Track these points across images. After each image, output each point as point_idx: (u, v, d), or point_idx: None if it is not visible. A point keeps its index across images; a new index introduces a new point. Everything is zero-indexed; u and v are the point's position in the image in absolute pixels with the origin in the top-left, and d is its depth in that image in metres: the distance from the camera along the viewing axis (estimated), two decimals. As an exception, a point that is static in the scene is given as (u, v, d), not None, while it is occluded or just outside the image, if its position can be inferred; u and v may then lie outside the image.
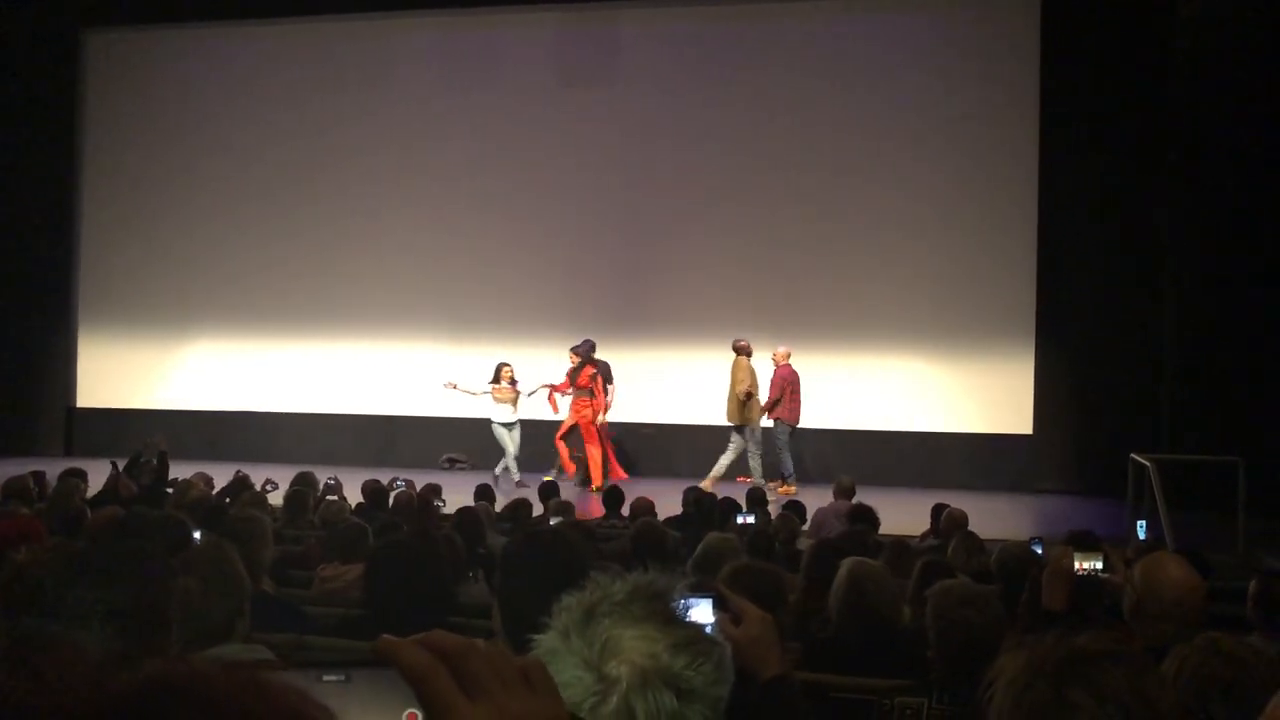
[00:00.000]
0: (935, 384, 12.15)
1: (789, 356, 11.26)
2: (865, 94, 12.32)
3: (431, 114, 13.39)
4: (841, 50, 12.47)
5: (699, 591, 1.46)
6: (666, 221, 12.75)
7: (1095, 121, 11.43)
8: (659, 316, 12.69)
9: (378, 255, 13.45)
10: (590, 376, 11.24)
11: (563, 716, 0.75)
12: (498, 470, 11.20)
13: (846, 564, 3.48)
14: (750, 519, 6.87)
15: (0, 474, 8.32)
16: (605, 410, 11.31)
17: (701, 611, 1.41)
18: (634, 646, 1.23)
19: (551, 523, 6.42)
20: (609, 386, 11.47)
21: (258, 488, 7.61)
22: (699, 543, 4.32)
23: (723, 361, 11.37)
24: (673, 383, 12.52)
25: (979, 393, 12.05)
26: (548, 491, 7.96)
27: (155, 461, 7.88)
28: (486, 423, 11.49)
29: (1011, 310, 11.86)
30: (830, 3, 12.69)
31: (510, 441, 11.37)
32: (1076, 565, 3.06)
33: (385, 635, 0.73)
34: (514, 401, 11.47)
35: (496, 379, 11.50)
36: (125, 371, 14.23)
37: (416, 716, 0.70)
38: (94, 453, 11.48)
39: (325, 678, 0.68)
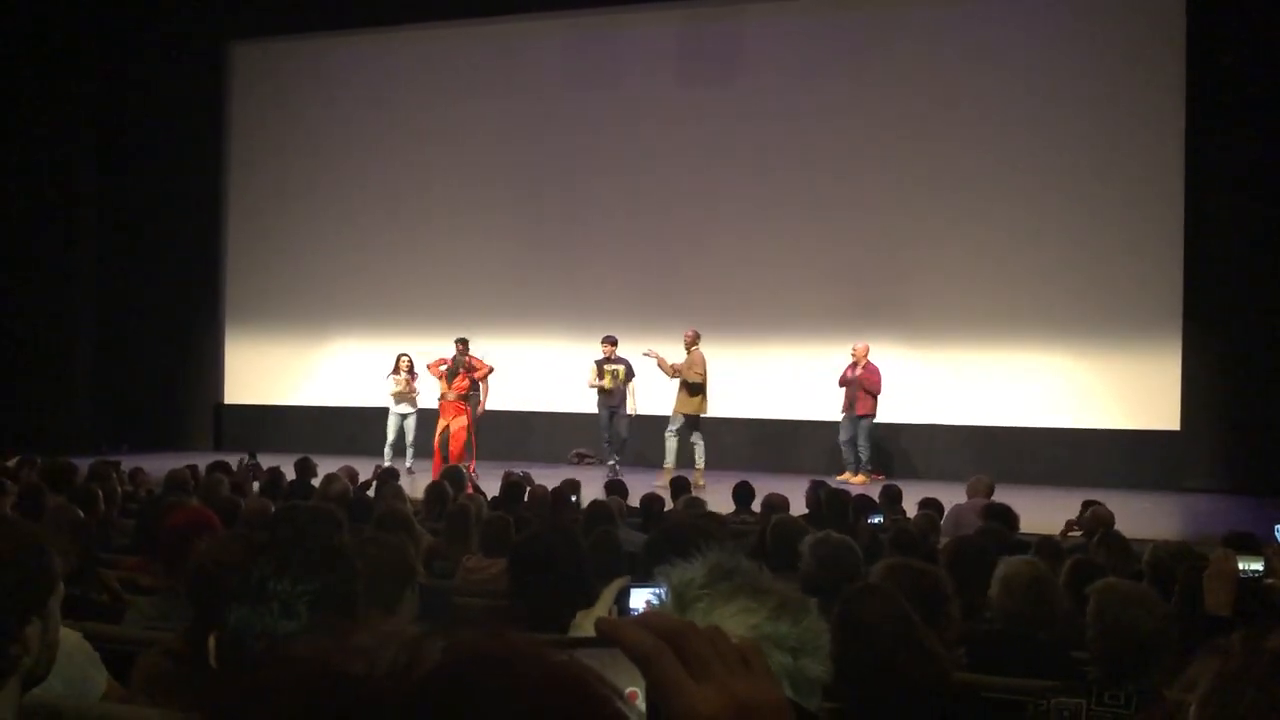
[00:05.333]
0: (1078, 378, 11.74)
1: None
2: (1003, 80, 11.98)
3: (559, 115, 13.56)
4: (977, 35, 12.13)
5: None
6: (798, 214, 12.63)
7: (1244, 103, 10.87)
8: (783, 311, 12.57)
9: (512, 256, 13.69)
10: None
11: (781, 698, 0.76)
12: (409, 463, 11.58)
13: (1017, 563, 3.39)
14: (879, 519, 6.72)
15: (155, 468, 8.81)
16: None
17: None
18: (738, 621, 1.27)
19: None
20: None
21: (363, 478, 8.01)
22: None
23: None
24: (803, 378, 12.40)
25: (1124, 387, 11.61)
26: (679, 486, 7.96)
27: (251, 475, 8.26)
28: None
29: (1157, 301, 11.39)
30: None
31: (402, 430, 11.92)
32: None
33: (603, 616, 0.74)
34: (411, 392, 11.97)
35: (396, 369, 11.92)
36: (269, 370, 14.85)
37: (637, 695, 0.72)
38: (240, 447, 12.01)
39: None
